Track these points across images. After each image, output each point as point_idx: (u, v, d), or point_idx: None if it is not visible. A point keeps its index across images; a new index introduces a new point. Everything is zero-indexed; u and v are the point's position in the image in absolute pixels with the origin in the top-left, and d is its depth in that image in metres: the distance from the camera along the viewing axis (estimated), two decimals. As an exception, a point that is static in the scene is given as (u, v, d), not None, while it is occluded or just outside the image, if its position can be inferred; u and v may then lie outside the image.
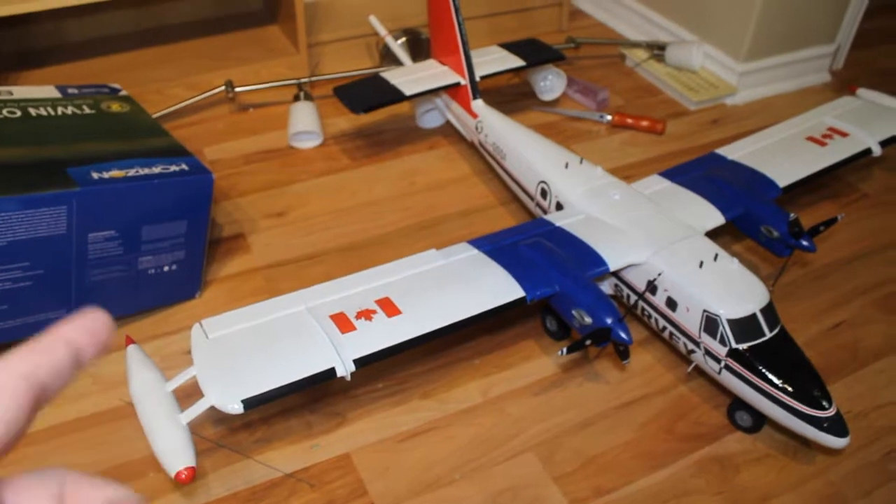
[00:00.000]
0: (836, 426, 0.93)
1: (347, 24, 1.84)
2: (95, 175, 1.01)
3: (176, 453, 0.83)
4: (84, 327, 0.33)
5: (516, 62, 1.61)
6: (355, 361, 0.91)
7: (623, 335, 0.98)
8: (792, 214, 1.16)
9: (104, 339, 0.34)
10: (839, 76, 1.92)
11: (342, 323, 0.95)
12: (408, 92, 1.48)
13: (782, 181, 1.26)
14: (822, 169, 1.30)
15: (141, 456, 0.97)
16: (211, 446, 0.99)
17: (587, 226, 1.14)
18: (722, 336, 0.98)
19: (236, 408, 0.85)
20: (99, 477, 0.31)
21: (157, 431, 0.86)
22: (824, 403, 0.93)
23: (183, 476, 0.82)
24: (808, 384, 0.95)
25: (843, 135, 1.37)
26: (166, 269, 1.13)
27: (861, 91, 1.51)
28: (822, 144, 1.35)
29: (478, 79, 1.49)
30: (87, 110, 1.22)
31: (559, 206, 1.23)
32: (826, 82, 1.89)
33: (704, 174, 1.26)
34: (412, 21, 1.81)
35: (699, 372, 1.09)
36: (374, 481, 0.97)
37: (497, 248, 1.09)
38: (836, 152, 1.33)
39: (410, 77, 1.52)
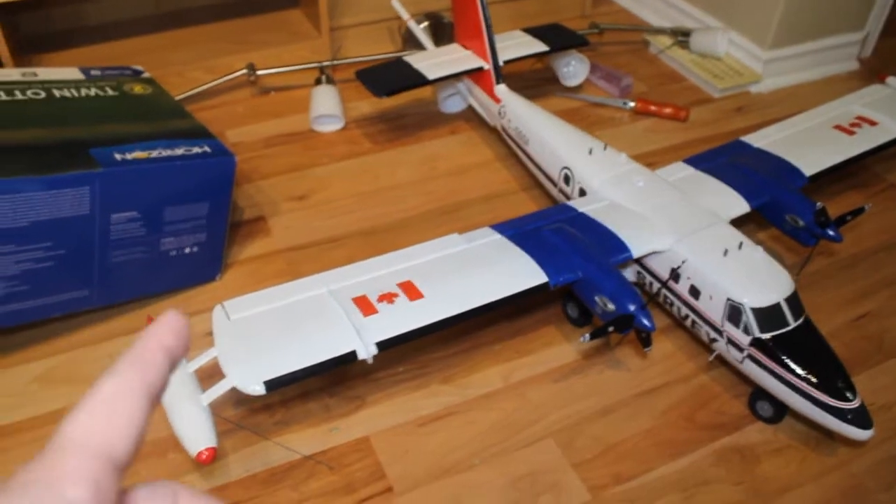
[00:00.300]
0: (860, 418, 0.92)
1: (370, 8, 1.83)
2: (118, 156, 1.01)
3: (197, 434, 0.84)
4: (173, 330, 0.35)
5: (540, 47, 1.59)
6: (377, 345, 0.91)
7: (646, 322, 0.98)
8: (818, 203, 1.15)
9: (188, 340, 0.36)
10: (867, 64, 1.89)
11: (364, 306, 0.95)
12: (430, 76, 1.47)
13: (809, 170, 1.24)
14: (849, 158, 1.28)
15: (162, 436, 0.97)
16: (231, 427, 0.99)
17: (610, 212, 1.13)
18: (745, 325, 0.97)
19: (258, 389, 0.85)
20: (206, 494, 0.33)
21: (178, 412, 0.86)
22: (848, 395, 0.92)
23: (204, 457, 0.82)
24: (832, 375, 0.94)
25: (872, 123, 1.35)
26: (188, 250, 1.13)
27: (891, 79, 1.49)
28: (850, 133, 1.33)
29: (501, 63, 1.48)
30: (109, 92, 1.23)
31: (582, 192, 1.22)
32: (853, 70, 1.86)
33: (729, 162, 1.25)
34: (435, 5, 1.80)
35: (721, 361, 1.08)
36: (392, 465, 0.97)
37: (520, 233, 1.09)
38: (865, 141, 1.32)
39: (433, 61, 1.52)
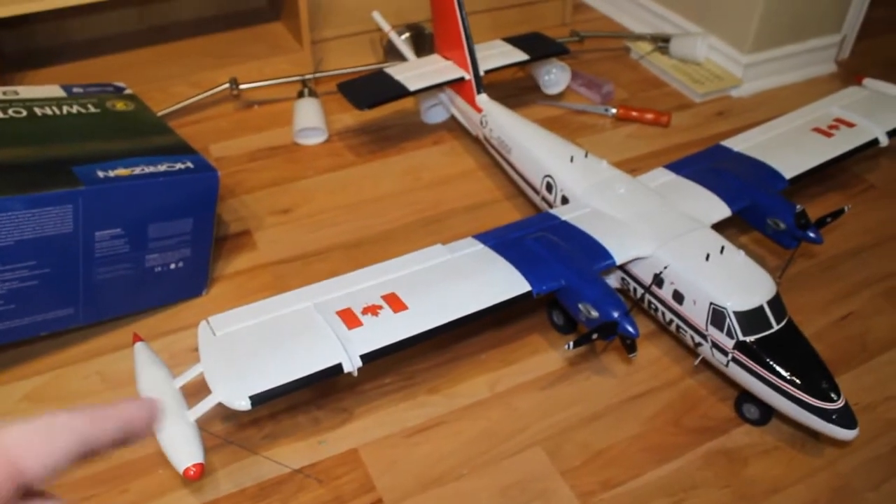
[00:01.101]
0: (845, 418, 0.93)
1: (351, 21, 1.83)
2: (101, 174, 1.01)
3: (184, 450, 0.84)
4: (145, 417, 0.39)
5: (520, 56, 1.60)
6: (362, 357, 0.91)
7: (630, 328, 0.98)
8: (798, 206, 1.16)
9: (154, 421, 0.39)
10: (845, 66, 1.91)
11: (349, 319, 0.95)
12: (412, 87, 1.48)
13: (788, 173, 1.25)
14: (828, 160, 1.30)
15: (150, 452, 0.97)
16: (219, 443, 0.99)
17: (593, 219, 1.13)
18: (729, 328, 0.97)
19: (244, 404, 0.85)
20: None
21: (165, 428, 0.86)
22: (832, 395, 0.93)
23: (191, 473, 0.82)
24: (816, 376, 0.95)
25: (850, 125, 1.37)
26: (173, 266, 1.13)
27: (867, 81, 1.51)
28: (829, 135, 1.34)
29: (482, 73, 1.49)
30: (92, 109, 1.23)
31: (565, 200, 1.22)
32: (832, 73, 1.88)
33: (710, 166, 1.26)
34: (415, 16, 1.80)
35: (706, 365, 1.09)
36: (381, 476, 0.97)
37: (503, 242, 1.09)
38: (843, 143, 1.33)
39: (414, 72, 1.52)
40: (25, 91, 1.23)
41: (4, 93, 1.21)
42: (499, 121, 1.40)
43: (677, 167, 1.27)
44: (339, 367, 0.90)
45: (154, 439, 0.86)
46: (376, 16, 1.71)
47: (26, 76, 1.65)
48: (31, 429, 0.34)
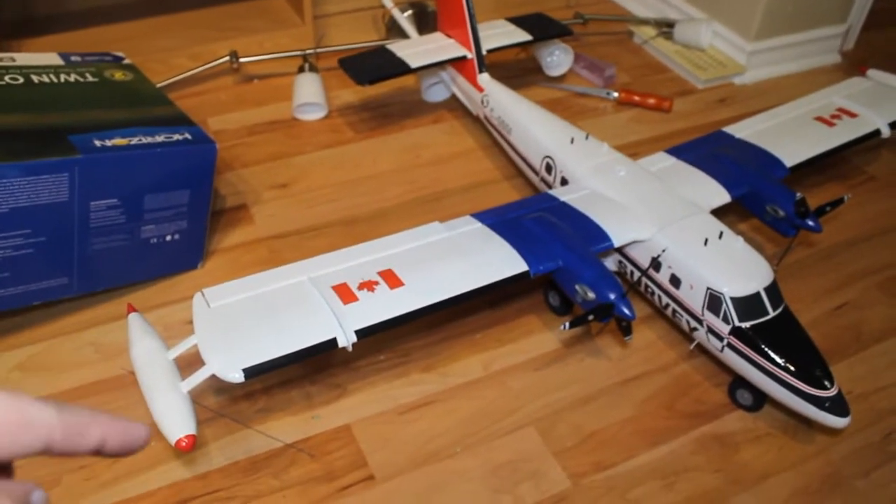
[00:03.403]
0: (838, 406, 0.93)
1: (353, -4, 1.83)
2: (98, 143, 1.00)
3: (176, 421, 0.84)
4: (123, 433, 0.37)
5: (523, 36, 1.59)
6: (357, 332, 0.91)
7: (626, 311, 0.98)
8: (798, 194, 1.15)
9: (133, 450, 0.38)
10: (849, 57, 1.90)
11: (344, 293, 0.94)
12: (413, 64, 1.47)
13: (789, 161, 1.25)
14: (829, 149, 1.29)
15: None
16: (212, 416, 0.99)
17: (592, 201, 1.13)
18: (725, 314, 0.97)
19: (237, 376, 0.85)
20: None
21: (157, 399, 0.86)
22: (826, 383, 0.93)
23: (183, 444, 0.82)
24: (810, 364, 0.95)
25: (852, 115, 1.36)
26: (169, 238, 1.13)
27: (871, 72, 1.50)
28: (831, 125, 1.34)
29: (484, 52, 1.48)
30: (89, 78, 1.22)
31: (564, 182, 1.22)
32: (836, 63, 1.87)
33: (711, 152, 1.25)
34: (419, -6, 1.79)
35: (701, 350, 1.09)
36: (374, 453, 0.97)
37: (501, 221, 1.09)
38: (845, 133, 1.32)
39: (416, 50, 1.51)
40: (23, 58, 1.22)
41: (1, 59, 1.20)
42: (500, 101, 1.40)
43: (678, 152, 1.26)
44: (333, 342, 0.89)
45: (146, 411, 0.86)
46: (379, -8, 1.70)
47: (23, 44, 1.63)
48: (3, 411, 0.33)
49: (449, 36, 1.53)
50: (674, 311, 1.06)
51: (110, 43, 1.62)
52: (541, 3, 1.98)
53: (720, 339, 0.99)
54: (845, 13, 1.83)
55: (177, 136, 1.08)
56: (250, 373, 0.85)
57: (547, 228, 1.06)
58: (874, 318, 1.19)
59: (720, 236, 1.03)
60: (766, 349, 0.95)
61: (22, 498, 0.33)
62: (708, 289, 0.99)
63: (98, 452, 0.36)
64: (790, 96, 1.45)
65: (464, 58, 1.48)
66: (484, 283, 0.99)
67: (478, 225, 1.08)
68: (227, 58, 1.62)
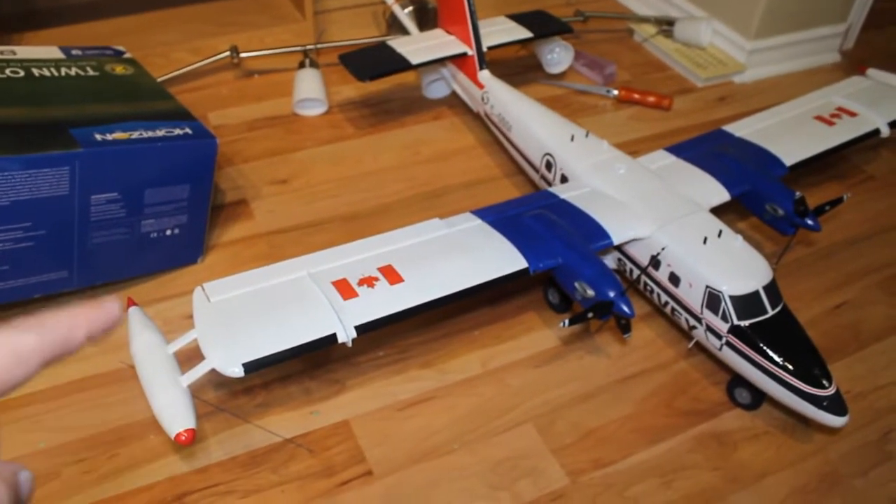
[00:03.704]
0: (836, 405, 0.93)
1: (354, -8, 1.82)
2: (99, 136, 1.00)
3: (176, 415, 0.84)
4: (102, 317, 0.39)
5: (524, 33, 1.59)
6: (356, 328, 0.91)
7: (625, 308, 0.98)
8: (797, 193, 1.16)
9: (112, 327, 0.40)
10: (849, 56, 1.90)
11: (344, 289, 0.95)
12: (414, 61, 1.47)
13: (789, 159, 1.25)
14: (829, 148, 1.29)
15: (141, 418, 0.97)
16: (211, 410, 0.99)
17: (592, 199, 1.13)
18: (724, 312, 0.97)
19: (237, 371, 0.85)
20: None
21: (157, 393, 0.86)
22: (824, 382, 0.93)
23: (183, 438, 0.82)
24: (808, 363, 0.95)
25: (852, 115, 1.36)
26: (168, 232, 1.13)
27: (871, 71, 1.50)
28: (830, 124, 1.34)
29: (485, 49, 1.48)
30: (90, 72, 1.22)
31: (564, 179, 1.22)
32: (835, 62, 1.87)
33: (711, 150, 1.25)
34: (420, -10, 1.79)
35: (700, 348, 1.09)
36: (372, 448, 0.97)
37: (501, 218, 1.09)
38: (844, 132, 1.33)
39: (417, 46, 1.51)
40: (23, 51, 1.22)
41: (2, 53, 1.20)
42: (500, 98, 1.40)
43: (678, 150, 1.26)
44: (333, 337, 0.90)
45: (146, 405, 0.86)
46: (380, -12, 1.69)
47: (24, 37, 1.63)
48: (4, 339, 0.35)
49: (449, 32, 1.53)
50: (673, 309, 1.06)
51: (111, 37, 1.62)
52: (541, 0, 1.98)
53: (719, 337, 0.99)
54: (845, 12, 1.84)
55: (177, 131, 1.08)
56: (250, 367, 0.86)
57: (547, 226, 1.06)
58: (873, 318, 1.19)
59: (719, 235, 1.03)
60: (765, 348, 0.95)
61: (10, 478, 0.34)
62: (707, 287, 0.99)
63: (87, 339, 0.38)
64: (790, 95, 1.45)
65: (464, 54, 1.48)
66: (483, 280, 0.99)
67: (478, 222, 1.08)
68: (228, 53, 1.62)
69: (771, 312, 0.98)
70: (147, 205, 1.07)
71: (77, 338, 0.37)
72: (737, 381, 1.04)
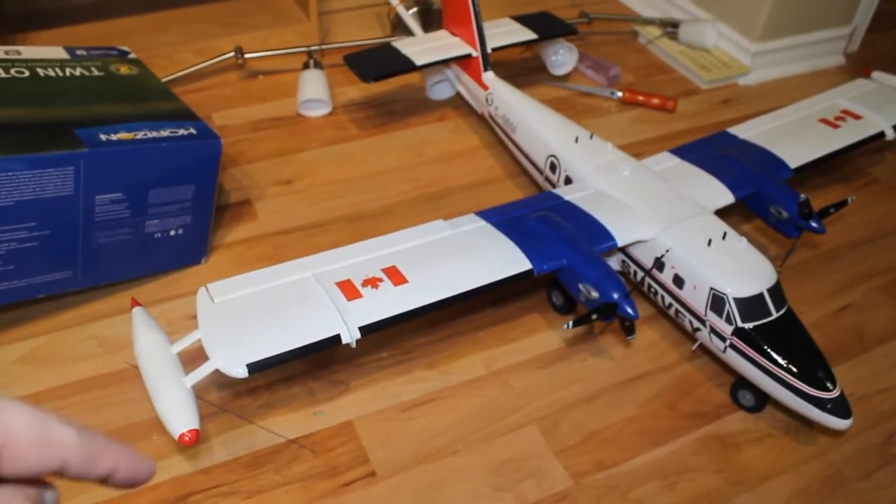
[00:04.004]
0: (840, 408, 0.93)
1: (359, -7, 1.83)
2: (103, 137, 1.01)
3: (180, 415, 0.84)
4: (132, 465, 0.37)
5: (528, 35, 1.59)
6: (361, 329, 0.91)
7: (629, 310, 0.98)
8: (802, 195, 1.15)
9: (137, 484, 0.38)
10: (854, 59, 1.90)
11: (348, 290, 0.95)
12: (418, 62, 1.47)
13: (793, 162, 1.25)
14: (833, 151, 1.29)
15: (145, 418, 0.97)
16: (215, 411, 0.99)
17: (596, 201, 1.13)
18: (728, 315, 0.97)
19: (241, 372, 0.85)
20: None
21: (161, 394, 0.86)
22: (828, 385, 0.93)
23: (186, 438, 0.82)
24: (812, 365, 0.95)
25: (857, 117, 1.36)
26: (173, 233, 1.13)
27: (876, 74, 1.50)
28: (835, 126, 1.34)
29: (489, 51, 1.48)
30: (95, 72, 1.22)
31: (568, 181, 1.22)
32: (840, 65, 1.87)
33: (715, 152, 1.25)
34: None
35: (704, 350, 1.09)
36: (376, 449, 0.97)
37: (505, 220, 1.09)
38: (849, 135, 1.32)
39: (421, 47, 1.51)
40: (28, 51, 1.22)
41: (7, 52, 1.20)
42: (504, 99, 1.40)
43: (682, 152, 1.26)
44: (337, 338, 0.90)
45: (150, 405, 0.86)
46: (385, -11, 1.69)
47: (29, 37, 1.64)
48: (31, 427, 0.33)
49: (454, 34, 1.53)
50: (677, 311, 1.06)
51: (115, 37, 1.62)
52: (546, 1, 1.98)
53: (723, 339, 0.99)
54: (850, 15, 1.83)
55: (182, 131, 1.08)
56: (254, 368, 0.86)
57: (551, 227, 1.06)
58: (877, 320, 1.19)
59: (724, 237, 1.03)
60: (769, 350, 0.95)
61: (35, 497, 0.34)
62: (711, 289, 0.99)
63: (104, 481, 0.37)
64: (794, 97, 1.44)
65: (469, 56, 1.48)
66: (487, 282, 0.99)
67: (482, 223, 1.08)
68: (233, 53, 1.62)
69: (775, 315, 0.98)
70: (151, 205, 1.07)
71: (104, 464, 0.36)
72: (740, 383, 1.04)
